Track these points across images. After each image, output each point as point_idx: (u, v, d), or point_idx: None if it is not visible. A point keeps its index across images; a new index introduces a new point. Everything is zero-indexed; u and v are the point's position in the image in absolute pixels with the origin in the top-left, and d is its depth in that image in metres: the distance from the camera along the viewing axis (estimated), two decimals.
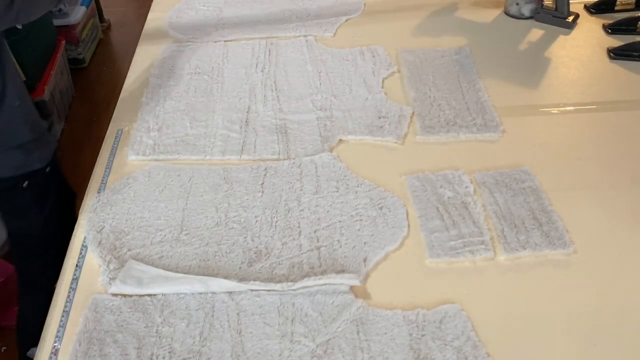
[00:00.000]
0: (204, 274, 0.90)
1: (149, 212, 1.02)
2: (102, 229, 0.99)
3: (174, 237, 0.98)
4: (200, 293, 0.88)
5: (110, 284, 0.89)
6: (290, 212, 1.01)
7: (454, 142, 1.16)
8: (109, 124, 1.24)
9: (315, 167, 1.09)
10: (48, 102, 2.39)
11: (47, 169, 1.20)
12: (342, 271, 0.90)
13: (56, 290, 0.91)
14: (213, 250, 0.95)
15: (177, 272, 0.91)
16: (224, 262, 0.93)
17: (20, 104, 1.12)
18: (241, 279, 0.89)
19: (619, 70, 1.35)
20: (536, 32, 1.51)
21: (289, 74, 1.36)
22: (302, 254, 0.94)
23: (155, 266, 0.92)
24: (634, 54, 1.37)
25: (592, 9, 1.58)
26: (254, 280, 0.89)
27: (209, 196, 1.05)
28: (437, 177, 1.06)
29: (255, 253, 0.94)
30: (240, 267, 0.92)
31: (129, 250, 0.95)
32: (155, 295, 0.88)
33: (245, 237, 0.97)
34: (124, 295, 0.88)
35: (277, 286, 0.87)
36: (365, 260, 0.92)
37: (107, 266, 0.92)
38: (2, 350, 1.70)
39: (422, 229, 0.97)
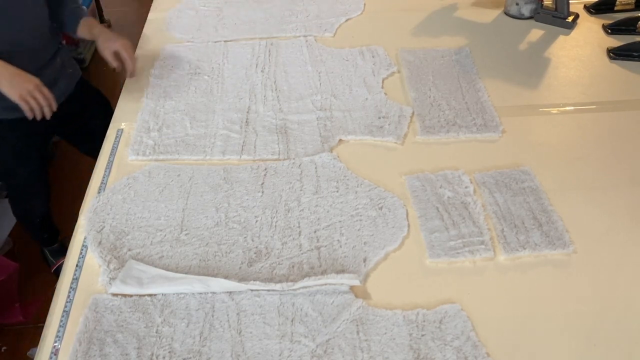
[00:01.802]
0: (204, 274, 0.90)
1: (149, 212, 1.02)
2: (102, 229, 0.99)
3: (174, 237, 0.98)
4: (201, 293, 0.88)
5: (110, 284, 0.89)
6: (290, 212, 1.01)
7: (454, 142, 1.16)
8: (109, 124, 1.24)
9: (315, 167, 1.10)
10: None
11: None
12: (342, 271, 0.90)
13: (56, 290, 0.91)
14: (213, 250, 0.95)
15: (177, 272, 0.91)
16: (224, 262, 0.93)
17: None
18: (241, 279, 0.89)
19: (619, 70, 1.35)
20: (536, 32, 1.51)
21: (289, 74, 1.36)
22: (302, 254, 0.94)
23: (156, 266, 0.92)
24: (634, 54, 1.37)
25: (592, 9, 1.58)
26: (254, 280, 0.89)
27: (209, 196, 1.05)
28: (437, 177, 1.06)
29: (255, 253, 0.94)
30: (240, 267, 0.92)
31: (129, 250, 0.95)
32: (155, 295, 0.88)
33: (245, 237, 0.97)
34: (124, 295, 0.88)
35: (277, 286, 0.87)
36: (365, 260, 0.92)
37: (107, 266, 0.92)
38: (2, 350, 1.70)
39: (422, 229, 0.97)
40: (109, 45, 1.33)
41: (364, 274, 0.90)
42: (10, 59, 1.21)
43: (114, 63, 1.33)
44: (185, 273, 0.91)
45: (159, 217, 1.01)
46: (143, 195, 1.05)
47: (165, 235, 0.98)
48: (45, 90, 1.22)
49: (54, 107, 1.24)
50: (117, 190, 1.07)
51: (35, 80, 1.21)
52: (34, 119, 1.23)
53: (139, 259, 0.93)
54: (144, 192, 1.06)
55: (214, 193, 1.05)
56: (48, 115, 1.23)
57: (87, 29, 1.39)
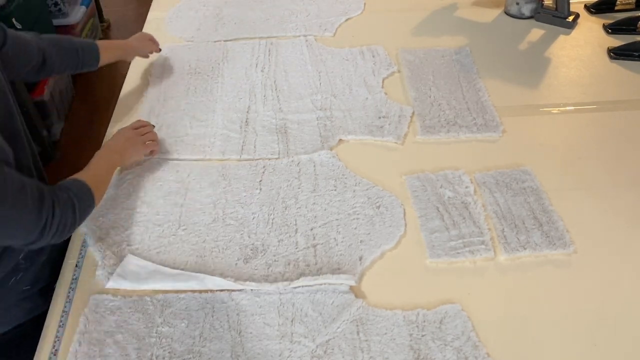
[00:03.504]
0: (200, 270, 0.90)
1: (147, 208, 1.02)
2: (101, 224, 0.99)
3: (172, 232, 0.98)
4: (201, 293, 0.88)
5: (108, 278, 0.89)
6: (287, 209, 1.01)
7: (454, 142, 1.16)
8: (108, 124, 1.24)
9: (314, 166, 1.09)
10: (48, 102, 2.39)
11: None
12: (338, 269, 0.90)
13: (56, 290, 0.91)
14: (210, 246, 0.95)
15: (174, 267, 0.91)
16: (221, 258, 0.93)
17: None
18: (237, 276, 0.89)
19: (619, 70, 1.35)
20: (536, 32, 1.50)
21: (289, 74, 1.36)
22: (298, 251, 0.94)
23: (153, 261, 0.92)
24: (634, 53, 1.37)
25: (592, 9, 1.58)
26: (250, 276, 0.89)
27: (207, 192, 1.05)
28: (437, 177, 1.06)
29: (251, 250, 0.94)
30: (236, 264, 0.92)
31: (128, 245, 0.95)
32: (155, 295, 0.88)
33: (242, 234, 0.97)
34: (124, 296, 0.88)
35: (272, 287, 0.87)
36: (361, 259, 0.92)
37: (106, 261, 0.92)
38: None
39: (422, 229, 0.97)
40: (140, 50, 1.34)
41: (360, 273, 0.90)
42: None
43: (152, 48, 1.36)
44: (182, 269, 0.91)
45: (157, 213, 1.01)
46: (142, 191, 1.05)
47: (163, 231, 0.98)
48: (144, 129, 1.11)
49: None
50: (116, 186, 1.06)
51: (136, 129, 1.10)
52: None
53: (137, 254, 0.93)
54: (143, 188, 1.06)
55: (212, 189, 1.05)
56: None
57: (106, 53, 1.20)
